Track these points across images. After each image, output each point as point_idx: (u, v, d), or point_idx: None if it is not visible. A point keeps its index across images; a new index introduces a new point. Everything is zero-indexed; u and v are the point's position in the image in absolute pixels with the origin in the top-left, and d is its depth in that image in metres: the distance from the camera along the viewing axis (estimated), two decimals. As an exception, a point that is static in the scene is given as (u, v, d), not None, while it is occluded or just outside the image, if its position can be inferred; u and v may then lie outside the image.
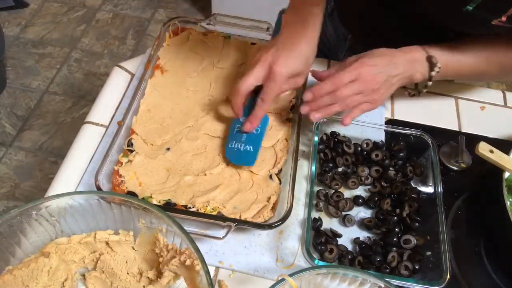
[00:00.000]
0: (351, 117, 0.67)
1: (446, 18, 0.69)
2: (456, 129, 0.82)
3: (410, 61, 0.67)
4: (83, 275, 0.59)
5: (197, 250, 0.52)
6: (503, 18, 0.60)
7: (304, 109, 0.67)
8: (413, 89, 0.77)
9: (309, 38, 0.68)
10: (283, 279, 0.50)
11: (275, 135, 0.72)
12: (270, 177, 0.67)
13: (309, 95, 0.66)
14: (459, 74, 0.72)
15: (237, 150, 0.68)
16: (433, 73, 0.67)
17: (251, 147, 0.68)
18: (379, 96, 0.67)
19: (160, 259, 0.57)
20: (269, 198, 0.65)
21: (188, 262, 0.52)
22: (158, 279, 0.56)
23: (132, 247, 0.60)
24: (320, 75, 0.70)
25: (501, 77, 0.76)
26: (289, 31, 0.68)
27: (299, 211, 0.68)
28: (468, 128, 0.82)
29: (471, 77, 0.77)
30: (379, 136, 0.75)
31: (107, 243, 0.59)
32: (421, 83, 0.71)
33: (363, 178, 0.71)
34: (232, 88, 0.67)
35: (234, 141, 0.69)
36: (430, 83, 0.70)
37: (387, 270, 0.61)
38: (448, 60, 0.68)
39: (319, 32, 0.69)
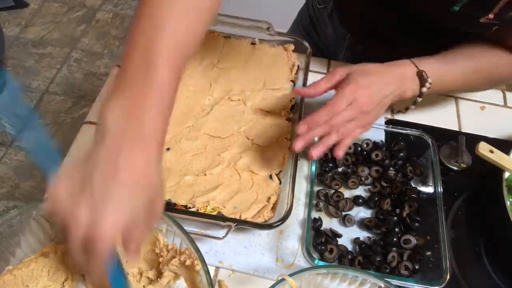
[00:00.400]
0: (344, 148, 0.62)
1: (437, 18, 0.69)
2: (456, 129, 0.82)
3: (401, 77, 0.64)
4: (83, 275, 0.59)
5: (197, 250, 0.52)
6: (491, 16, 0.61)
7: (297, 146, 0.59)
8: (400, 107, 0.72)
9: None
10: (283, 279, 0.50)
11: (275, 135, 0.72)
12: (270, 177, 0.67)
13: (303, 127, 0.59)
14: (449, 88, 0.70)
15: None
16: (424, 89, 0.65)
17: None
18: (372, 119, 0.64)
19: (160, 259, 0.57)
20: (269, 198, 0.65)
21: (188, 262, 0.52)
22: (158, 279, 0.56)
23: (132, 247, 0.60)
24: (304, 92, 0.66)
25: (489, 87, 0.74)
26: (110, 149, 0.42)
27: (299, 211, 0.68)
28: (468, 128, 0.82)
29: (461, 90, 0.77)
30: (379, 136, 0.75)
31: (106, 243, 0.59)
32: (411, 99, 0.67)
33: (363, 178, 0.71)
34: None
35: None
36: (419, 99, 0.67)
37: (387, 270, 0.61)
38: (438, 74, 0.66)
39: (163, 147, 0.46)
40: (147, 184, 0.41)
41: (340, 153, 0.62)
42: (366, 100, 0.60)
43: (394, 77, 0.64)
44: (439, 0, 0.64)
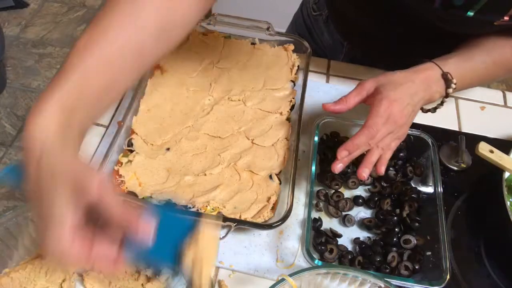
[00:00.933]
0: (385, 163, 0.63)
1: (448, 25, 0.69)
2: (456, 129, 0.82)
3: (426, 82, 0.64)
4: (81, 275, 0.59)
5: None
6: (506, 18, 0.60)
7: (338, 168, 0.60)
8: (429, 108, 0.72)
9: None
10: (283, 279, 0.50)
11: (275, 135, 0.72)
12: (270, 177, 0.67)
13: (344, 152, 0.60)
14: (472, 83, 0.71)
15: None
16: (450, 90, 0.65)
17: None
18: (406, 129, 0.64)
19: (159, 258, 0.57)
20: (269, 198, 0.65)
21: None
22: (157, 276, 0.56)
23: (131, 247, 0.60)
24: (337, 109, 0.64)
25: (508, 76, 0.75)
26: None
27: (299, 211, 0.68)
28: (468, 128, 0.82)
29: (482, 83, 0.76)
30: (379, 136, 0.75)
31: (105, 243, 0.59)
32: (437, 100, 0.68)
33: (363, 178, 0.71)
34: None
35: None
36: (447, 99, 0.67)
37: (387, 270, 0.61)
38: (462, 73, 0.66)
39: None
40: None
41: (382, 169, 0.63)
42: (400, 114, 0.60)
43: (421, 84, 0.64)
44: (453, 9, 0.62)
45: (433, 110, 0.71)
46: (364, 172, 0.61)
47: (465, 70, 0.66)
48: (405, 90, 0.61)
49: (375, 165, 0.62)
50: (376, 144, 0.61)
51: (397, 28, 0.79)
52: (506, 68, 0.70)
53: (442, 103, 0.69)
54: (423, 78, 0.64)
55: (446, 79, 0.65)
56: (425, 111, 0.70)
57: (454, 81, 0.64)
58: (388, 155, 0.63)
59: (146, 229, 0.42)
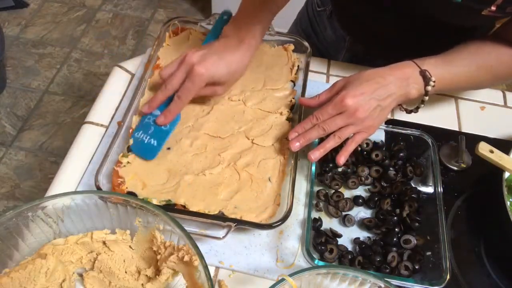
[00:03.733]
0: (346, 154, 0.65)
1: (436, 11, 0.69)
2: (456, 129, 0.82)
3: (402, 78, 0.65)
4: (81, 275, 0.59)
5: (195, 246, 0.52)
6: (493, 8, 0.61)
7: (294, 145, 0.64)
8: (411, 107, 0.73)
9: (241, 55, 0.71)
10: (283, 279, 0.50)
11: (275, 135, 0.72)
12: (269, 179, 0.67)
13: (294, 134, 0.66)
14: (454, 86, 0.71)
15: (141, 141, 0.68)
16: (429, 88, 0.65)
17: (155, 142, 0.68)
18: (372, 122, 0.65)
19: (158, 257, 0.57)
20: (269, 198, 0.65)
21: (186, 258, 0.52)
22: (157, 276, 0.56)
23: (130, 246, 0.60)
24: (308, 103, 0.69)
25: (495, 83, 0.75)
26: (225, 43, 0.71)
27: (299, 211, 0.68)
28: (468, 128, 0.82)
29: (465, 87, 0.77)
30: (379, 136, 0.75)
31: (104, 243, 0.59)
32: (418, 99, 0.68)
33: (363, 178, 0.71)
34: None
35: (141, 132, 0.69)
36: (427, 98, 0.67)
37: (387, 270, 0.61)
38: (441, 72, 0.66)
39: (253, 53, 0.73)
40: (230, 72, 0.71)
41: (341, 159, 0.65)
42: (357, 107, 0.62)
43: (394, 80, 0.64)
44: None
45: (415, 110, 0.71)
46: (313, 153, 0.64)
47: (444, 70, 0.67)
48: (370, 86, 0.63)
49: (336, 159, 0.65)
50: (327, 130, 0.63)
51: (396, 21, 0.79)
52: (492, 74, 0.70)
53: (423, 102, 0.69)
54: (399, 75, 0.65)
55: (425, 76, 0.65)
56: (408, 111, 0.72)
57: (433, 78, 0.65)
58: (351, 147, 0.65)
59: None
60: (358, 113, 0.62)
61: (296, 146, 0.65)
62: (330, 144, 0.64)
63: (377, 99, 0.63)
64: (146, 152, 0.68)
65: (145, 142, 0.68)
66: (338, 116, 0.63)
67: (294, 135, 0.65)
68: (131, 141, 0.69)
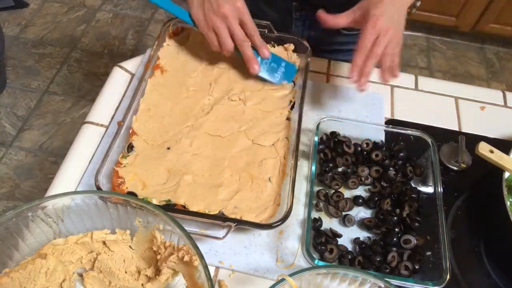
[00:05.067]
0: (395, 67, 0.69)
1: None
2: (456, 129, 0.82)
3: None
4: (81, 275, 0.59)
5: (195, 246, 0.52)
6: None
7: (364, 86, 0.68)
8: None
9: None
10: (283, 279, 0.50)
11: (275, 135, 0.72)
12: (269, 179, 0.67)
13: (354, 74, 0.68)
14: None
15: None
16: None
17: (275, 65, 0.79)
18: (399, 31, 0.69)
19: (158, 257, 0.57)
20: (269, 198, 0.65)
21: (186, 258, 0.52)
22: (157, 276, 0.56)
23: (130, 246, 0.60)
24: (326, 18, 0.71)
25: None
26: None
27: (299, 211, 0.68)
28: (468, 128, 0.82)
29: None
30: (379, 136, 0.75)
31: (104, 243, 0.59)
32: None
33: (363, 178, 0.71)
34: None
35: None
36: (418, 3, 0.74)
37: (387, 270, 0.61)
38: None
39: None
40: None
41: (396, 72, 0.69)
42: (390, 24, 0.67)
43: None
44: None
45: (413, 7, 0.76)
46: (363, 84, 0.68)
47: None
48: (387, 2, 0.67)
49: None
50: (379, 54, 0.67)
51: None
52: None
53: (415, 6, 0.74)
54: None
55: None
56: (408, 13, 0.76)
57: None
58: (396, 60, 0.69)
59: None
60: (391, 30, 0.67)
61: (366, 86, 0.68)
62: (370, 67, 0.68)
63: (397, 11, 0.68)
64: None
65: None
66: (378, 40, 0.67)
67: (355, 75, 0.68)
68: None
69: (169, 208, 0.62)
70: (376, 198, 0.69)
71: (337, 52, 0.98)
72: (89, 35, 2.30)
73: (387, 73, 0.69)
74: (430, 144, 0.72)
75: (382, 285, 0.52)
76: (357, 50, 0.67)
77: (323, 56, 0.91)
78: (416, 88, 0.88)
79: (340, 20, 0.70)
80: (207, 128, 0.72)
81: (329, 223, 0.68)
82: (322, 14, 0.71)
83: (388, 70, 0.69)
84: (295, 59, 0.83)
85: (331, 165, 0.71)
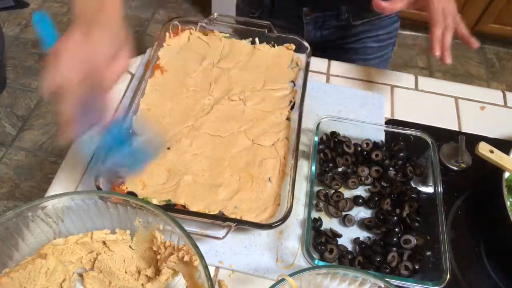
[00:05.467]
0: (467, 35, 0.73)
1: None
2: (456, 129, 0.82)
3: None
4: (81, 275, 0.59)
5: (195, 246, 0.52)
6: None
7: (449, 59, 0.72)
8: None
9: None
10: (283, 279, 0.50)
11: (275, 135, 0.72)
12: (269, 179, 0.67)
13: (437, 49, 0.71)
14: None
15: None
16: None
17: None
18: (453, 2, 0.73)
19: (158, 257, 0.57)
20: (269, 198, 0.65)
21: (186, 258, 0.52)
22: (157, 276, 0.56)
23: (130, 246, 0.60)
24: (383, 5, 0.72)
25: None
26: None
27: (299, 211, 0.68)
28: (468, 128, 0.82)
29: None
30: (379, 136, 0.75)
31: (104, 243, 0.59)
32: None
33: (363, 178, 0.71)
34: None
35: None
36: None
37: (387, 270, 0.61)
38: None
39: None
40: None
41: (473, 40, 0.74)
42: (445, 2, 0.72)
43: None
44: None
45: None
46: (448, 57, 0.72)
47: None
48: None
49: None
50: (452, 26, 0.72)
51: None
52: None
53: None
54: None
55: None
56: None
57: None
58: (464, 29, 0.74)
59: None
60: (451, 4, 0.72)
61: (450, 58, 0.72)
62: (450, 39, 0.72)
63: None
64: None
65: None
66: (445, 13, 0.71)
67: (438, 49, 0.71)
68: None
69: (169, 208, 0.62)
70: (376, 198, 0.69)
71: (353, 43, 1.00)
72: (89, 35, 2.30)
73: (472, 39, 0.73)
74: (430, 144, 0.72)
75: (382, 285, 0.52)
76: (433, 25, 0.71)
77: (336, 54, 0.92)
78: (416, 88, 0.88)
79: (398, 4, 0.72)
80: (207, 128, 0.72)
81: (329, 223, 0.68)
82: (377, 2, 0.72)
83: (470, 37, 0.73)
84: (296, 59, 0.83)
85: (331, 165, 0.71)
